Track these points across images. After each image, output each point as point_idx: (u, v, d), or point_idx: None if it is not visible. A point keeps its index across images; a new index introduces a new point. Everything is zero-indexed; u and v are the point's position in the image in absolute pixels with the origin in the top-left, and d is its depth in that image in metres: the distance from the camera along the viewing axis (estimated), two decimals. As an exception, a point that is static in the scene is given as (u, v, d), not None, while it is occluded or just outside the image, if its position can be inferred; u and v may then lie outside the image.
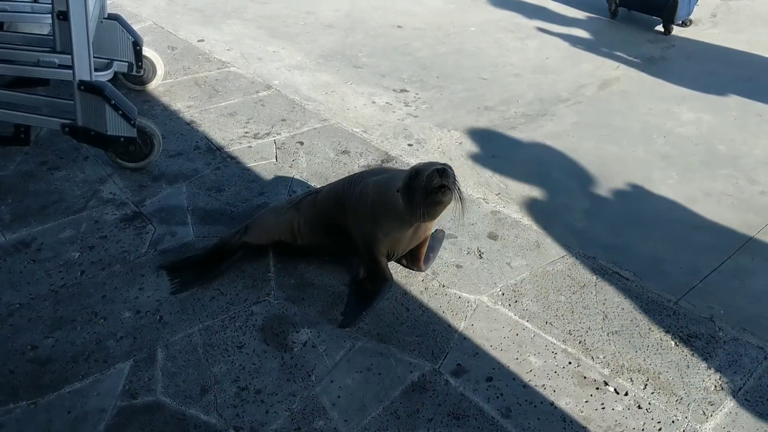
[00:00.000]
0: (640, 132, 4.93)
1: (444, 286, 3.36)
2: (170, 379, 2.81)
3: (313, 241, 3.42)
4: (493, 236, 3.74)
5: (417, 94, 5.43)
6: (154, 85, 5.14)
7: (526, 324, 3.16)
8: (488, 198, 4.08)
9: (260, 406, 2.71)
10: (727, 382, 2.88)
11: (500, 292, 3.34)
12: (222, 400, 2.73)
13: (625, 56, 6.33)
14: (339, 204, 3.34)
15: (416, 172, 2.98)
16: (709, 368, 2.94)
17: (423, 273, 3.42)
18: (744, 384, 2.87)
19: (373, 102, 5.24)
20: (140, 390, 2.76)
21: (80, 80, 3.76)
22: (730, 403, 2.78)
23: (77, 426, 2.60)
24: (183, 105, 4.98)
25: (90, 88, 3.79)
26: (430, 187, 2.88)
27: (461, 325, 3.13)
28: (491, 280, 3.42)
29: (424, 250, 3.41)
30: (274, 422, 2.64)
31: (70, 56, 3.77)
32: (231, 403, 2.71)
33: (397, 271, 3.40)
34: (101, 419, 2.63)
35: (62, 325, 3.05)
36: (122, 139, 3.96)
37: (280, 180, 4.14)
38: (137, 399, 2.72)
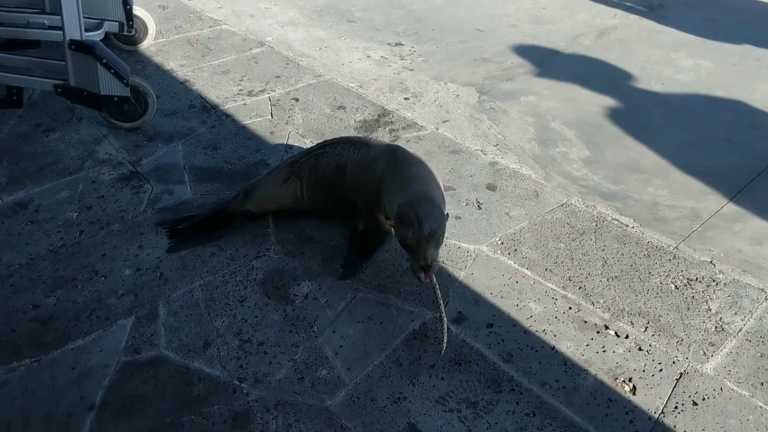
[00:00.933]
0: (639, 80, 4.88)
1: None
2: (173, 333, 2.82)
3: (315, 206, 3.40)
4: (491, 187, 3.72)
5: (412, 47, 5.36)
6: (146, 45, 5.07)
7: (526, 271, 3.16)
8: (486, 150, 4.05)
9: (263, 358, 2.72)
10: (727, 323, 2.89)
11: (499, 242, 3.33)
12: (225, 353, 2.74)
13: (623, 4, 6.25)
14: (339, 171, 3.27)
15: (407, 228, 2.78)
16: (710, 310, 2.95)
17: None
18: (744, 325, 2.89)
19: (368, 56, 5.18)
20: (143, 345, 2.77)
21: (71, 40, 3.71)
22: (730, 344, 2.80)
23: (82, 381, 2.62)
24: (176, 64, 4.92)
25: (81, 47, 3.74)
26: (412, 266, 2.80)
27: (461, 275, 3.13)
28: (490, 230, 3.41)
29: None
30: (277, 372, 2.66)
31: (59, 16, 3.71)
32: (234, 356, 2.73)
33: (396, 223, 3.39)
34: (105, 374, 2.65)
35: (63, 284, 3.05)
36: (116, 98, 3.92)
37: (276, 137, 4.11)
38: (140, 354, 2.73)
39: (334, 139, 3.49)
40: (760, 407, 2.54)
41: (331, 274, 3.12)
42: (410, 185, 2.98)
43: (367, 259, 3.17)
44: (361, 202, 3.24)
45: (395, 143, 3.42)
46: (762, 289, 3.06)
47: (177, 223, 3.40)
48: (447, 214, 2.87)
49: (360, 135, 4.11)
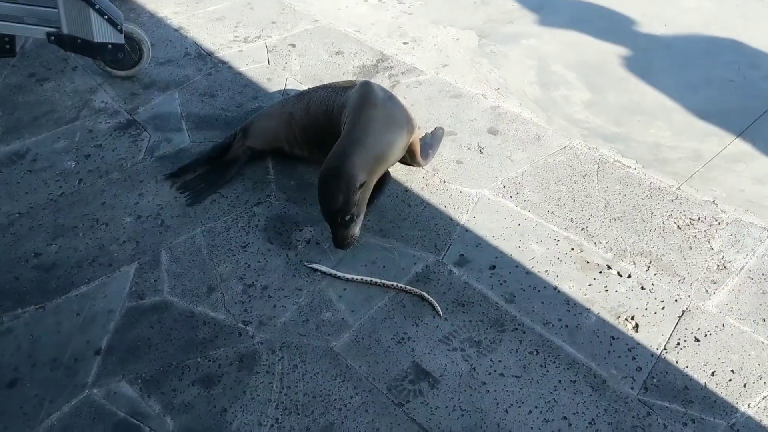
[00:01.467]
0: (641, 22, 4.80)
1: (445, 181, 3.34)
2: (176, 279, 2.83)
3: (311, 154, 3.38)
4: (492, 131, 3.69)
5: (410, -8, 5.26)
6: (139, -7, 4.97)
7: (528, 214, 3.15)
8: (487, 94, 4.00)
9: (268, 301, 2.73)
10: (729, 262, 2.90)
11: (501, 185, 3.32)
12: (229, 297, 2.75)
13: (624, -54, 6.10)
14: (327, 114, 3.28)
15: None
16: (712, 249, 2.96)
17: (423, 170, 3.39)
18: (746, 263, 2.89)
19: (366, 0, 5.08)
20: (147, 291, 2.78)
21: (62, -15, 3.63)
22: (732, 281, 2.81)
23: (87, 327, 2.63)
24: (170, 11, 4.83)
25: (72, -7, 3.66)
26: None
27: (463, 218, 3.13)
28: (492, 174, 3.39)
29: (418, 147, 3.36)
30: (282, 315, 2.67)
31: (50, -38, 3.63)
32: (238, 300, 2.74)
33: (397, 169, 3.37)
34: (110, 319, 2.66)
35: (64, 233, 3.04)
36: (110, 45, 3.85)
37: (273, 83, 4.06)
38: (145, 299, 2.74)
39: (325, 84, 3.48)
40: (762, 342, 2.56)
41: (332, 219, 3.11)
42: (343, 138, 3.00)
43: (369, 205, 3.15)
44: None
45: (378, 83, 3.37)
46: (764, 228, 3.05)
47: (183, 174, 3.37)
48: (362, 183, 2.86)
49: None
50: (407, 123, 3.20)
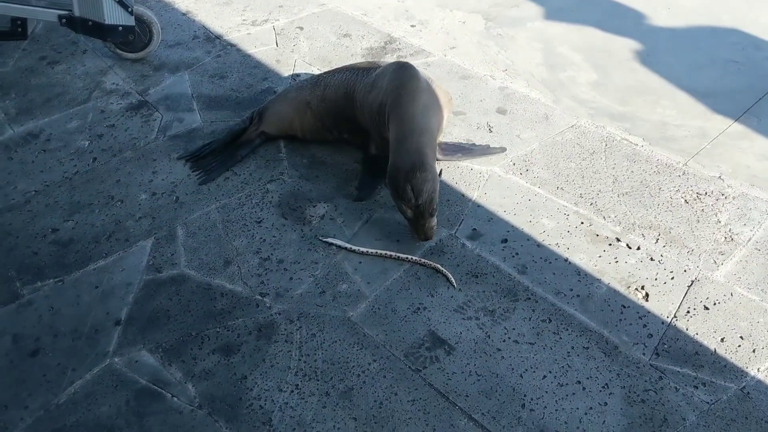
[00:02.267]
0: (645, 4, 4.84)
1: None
2: (193, 253, 2.87)
3: (327, 137, 3.43)
4: (501, 111, 3.73)
5: (415, -24, 5.29)
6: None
7: (538, 190, 3.19)
8: (495, 75, 4.04)
9: (284, 274, 2.77)
10: (736, 234, 2.95)
11: (511, 162, 3.36)
12: (246, 270, 2.79)
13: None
14: (348, 97, 3.29)
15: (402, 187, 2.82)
16: (719, 222, 3.00)
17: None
18: (753, 235, 2.94)
19: (371, -14, 5.11)
20: (164, 264, 2.82)
21: (73, -33, 3.66)
22: (740, 252, 2.86)
23: (106, 299, 2.67)
24: (177, -4, 4.86)
25: (84, -25, 3.69)
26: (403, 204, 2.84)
27: (474, 194, 3.17)
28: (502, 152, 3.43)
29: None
30: (298, 287, 2.71)
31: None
32: (255, 272, 2.78)
33: (407, 145, 3.41)
34: (129, 292, 2.70)
35: (80, 209, 3.08)
36: (120, 28, 3.89)
37: (282, 65, 4.09)
38: (162, 272, 2.78)
39: (340, 67, 3.49)
40: (770, 310, 2.61)
41: (346, 196, 3.16)
42: (408, 130, 2.95)
43: (382, 181, 3.19)
44: (371, 123, 3.25)
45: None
46: (770, 202, 3.11)
47: (198, 154, 3.39)
48: (440, 171, 2.93)
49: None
50: (448, 101, 3.31)
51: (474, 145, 3.42)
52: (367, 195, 3.16)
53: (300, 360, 2.44)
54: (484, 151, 3.39)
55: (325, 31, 4.45)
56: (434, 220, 2.84)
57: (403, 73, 3.15)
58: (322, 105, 3.36)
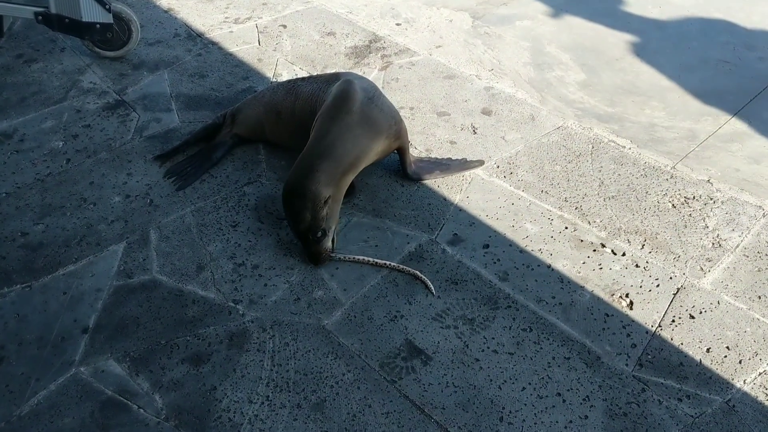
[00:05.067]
0: (635, 3, 4.77)
1: (438, 161, 3.30)
2: (165, 258, 2.78)
3: (296, 145, 3.29)
4: (486, 112, 3.65)
5: (403, -26, 5.20)
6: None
7: (522, 194, 3.12)
8: (481, 74, 3.96)
9: (258, 280, 2.69)
10: (724, 240, 2.87)
11: (495, 165, 3.28)
12: (219, 276, 2.71)
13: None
14: (313, 114, 3.08)
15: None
16: (707, 227, 2.93)
17: (416, 150, 3.35)
18: (742, 240, 2.87)
19: (358, -17, 5.02)
20: (135, 270, 2.73)
21: (48, -37, 3.57)
22: (728, 259, 2.79)
23: (74, 305, 2.59)
24: (159, -7, 4.77)
25: (59, -30, 3.60)
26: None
27: (456, 198, 3.09)
28: (486, 154, 3.35)
29: (407, 155, 3.16)
30: (273, 294, 2.63)
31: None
32: (228, 279, 2.70)
33: (389, 147, 3.33)
34: (98, 298, 2.61)
35: (51, 212, 2.99)
36: (98, 25, 3.80)
37: (264, 64, 4.01)
38: (133, 278, 2.70)
39: (315, 76, 3.35)
40: (758, 319, 2.53)
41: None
42: (311, 147, 2.80)
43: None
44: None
45: (367, 79, 3.20)
46: (759, 206, 3.03)
47: (172, 155, 3.30)
48: (327, 198, 2.68)
49: (349, 64, 4.01)
50: (388, 128, 2.95)
51: (451, 160, 3.28)
52: None
53: (272, 370, 2.36)
54: (462, 165, 3.24)
55: (309, 30, 4.36)
56: (321, 247, 2.70)
57: (340, 90, 2.95)
58: (291, 119, 3.21)
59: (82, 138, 3.41)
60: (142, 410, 2.24)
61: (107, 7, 3.75)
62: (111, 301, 2.61)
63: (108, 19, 3.80)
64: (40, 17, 3.75)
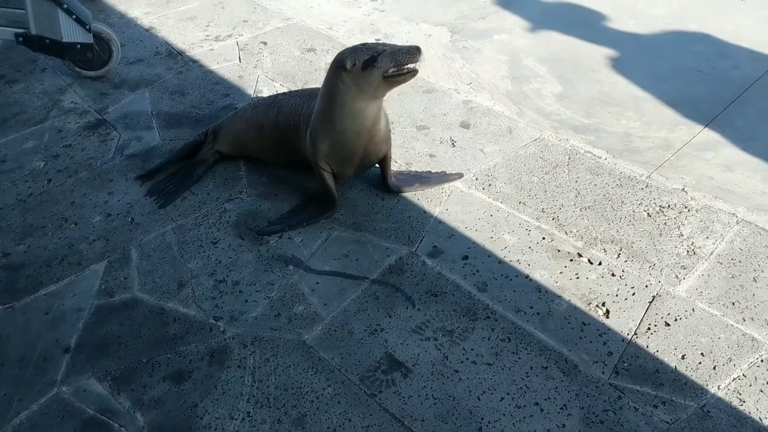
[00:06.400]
0: (611, 15, 4.84)
1: (417, 174, 3.34)
2: (146, 276, 2.80)
3: (283, 161, 3.34)
4: (465, 125, 3.70)
5: (382, -11, 5.26)
6: (109, -7, 4.94)
7: (500, 205, 3.16)
8: (459, 88, 4.01)
9: (239, 297, 2.71)
10: (699, 247, 2.92)
11: (474, 177, 3.32)
12: (200, 293, 2.73)
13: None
14: (296, 128, 3.15)
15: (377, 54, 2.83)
16: (682, 235, 2.98)
17: (396, 163, 3.39)
18: (716, 248, 2.92)
19: (338, -1, 5.08)
20: (117, 288, 2.75)
21: (29, -15, 3.60)
22: (702, 266, 2.83)
23: (56, 325, 2.60)
24: (140, 12, 4.80)
25: (39, -8, 3.63)
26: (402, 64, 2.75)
27: (436, 210, 3.13)
28: (464, 167, 3.39)
29: (388, 164, 3.20)
30: (253, 310, 2.65)
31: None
32: (209, 296, 2.72)
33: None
34: (80, 318, 2.63)
35: (32, 232, 3.00)
36: (78, 45, 3.83)
37: (245, 81, 4.04)
38: (114, 297, 2.71)
39: (297, 91, 3.38)
40: (732, 326, 2.58)
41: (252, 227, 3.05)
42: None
43: (296, 226, 3.04)
44: (309, 153, 3.08)
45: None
46: (733, 214, 3.08)
47: (153, 174, 3.32)
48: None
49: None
50: (386, 125, 3.07)
51: (430, 173, 3.32)
52: (269, 231, 3.01)
53: (253, 386, 2.38)
54: (441, 178, 3.29)
55: (289, 46, 4.40)
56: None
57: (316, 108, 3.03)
58: (274, 132, 3.24)
59: (63, 158, 3.43)
60: (123, 429, 2.25)
61: (87, 27, 3.78)
62: (92, 320, 2.62)
63: (88, 39, 3.83)
64: (21, 38, 3.78)
